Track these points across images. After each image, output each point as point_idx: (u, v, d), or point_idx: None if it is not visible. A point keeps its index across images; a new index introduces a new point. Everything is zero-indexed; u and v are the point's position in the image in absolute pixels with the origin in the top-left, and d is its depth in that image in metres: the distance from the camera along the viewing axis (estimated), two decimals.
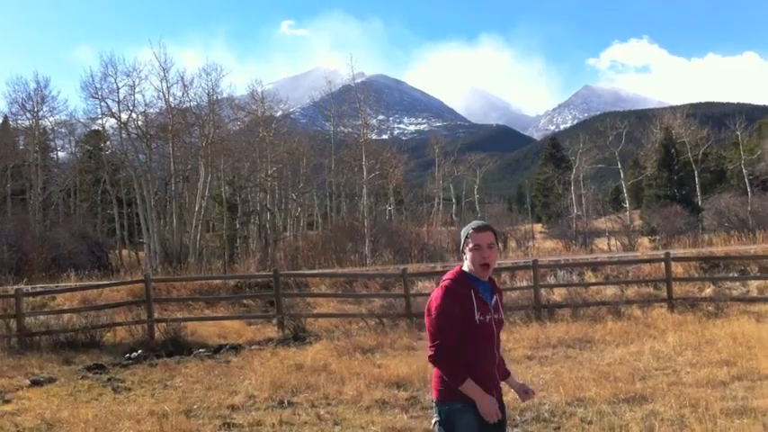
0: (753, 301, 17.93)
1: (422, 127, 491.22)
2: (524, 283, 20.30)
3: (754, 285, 20.72)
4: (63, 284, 26.64)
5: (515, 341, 13.56)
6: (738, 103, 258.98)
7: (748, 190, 57.83)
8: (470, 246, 4.15)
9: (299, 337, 15.75)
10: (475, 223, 4.26)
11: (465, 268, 4.22)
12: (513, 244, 47.80)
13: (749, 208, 45.77)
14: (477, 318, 4.09)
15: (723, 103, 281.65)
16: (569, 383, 9.46)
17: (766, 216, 41.88)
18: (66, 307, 20.13)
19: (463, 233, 4.24)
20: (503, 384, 4.37)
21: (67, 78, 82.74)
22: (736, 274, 22.07)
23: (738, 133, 65.82)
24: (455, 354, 4.06)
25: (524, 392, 4.37)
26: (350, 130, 59.58)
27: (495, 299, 4.24)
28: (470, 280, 4.17)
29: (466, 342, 4.09)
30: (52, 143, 62.36)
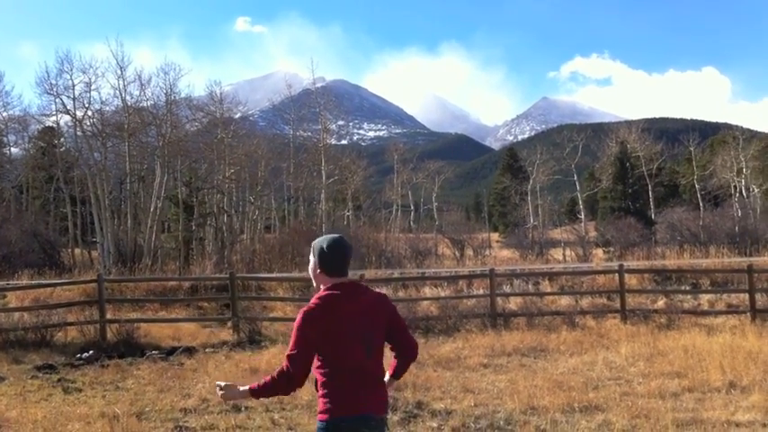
0: (704, 314, 18.22)
1: (381, 133, 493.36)
2: (481, 292, 20.47)
3: (705, 299, 21.13)
4: (14, 282, 26.16)
5: (471, 349, 13.64)
6: (692, 120, 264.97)
7: (700, 205, 59.02)
8: None
9: (254, 340, 15.64)
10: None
11: None
12: (470, 252, 47.91)
13: (701, 222, 46.49)
14: None
15: (677, 119, 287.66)
16: (524, 392, 9.52)
17: (718, 231, 42.62)
18: (16, 305, 19.77)
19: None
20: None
21: (12, 74, 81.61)
22: (688, 287, 22.46)
23: (692, 149, 67.40)
24: None
25: None
26: (309, 134, 59.44)
27: None
28: None
29: None
30: (5, 138, 61.16)
